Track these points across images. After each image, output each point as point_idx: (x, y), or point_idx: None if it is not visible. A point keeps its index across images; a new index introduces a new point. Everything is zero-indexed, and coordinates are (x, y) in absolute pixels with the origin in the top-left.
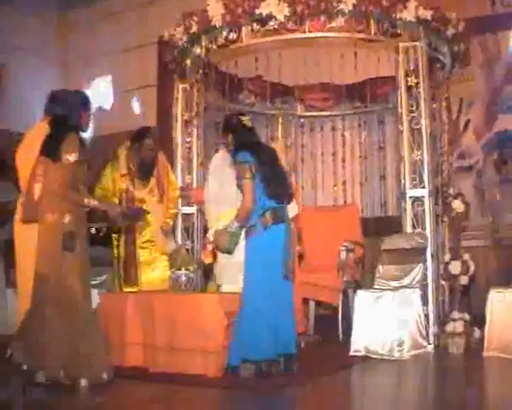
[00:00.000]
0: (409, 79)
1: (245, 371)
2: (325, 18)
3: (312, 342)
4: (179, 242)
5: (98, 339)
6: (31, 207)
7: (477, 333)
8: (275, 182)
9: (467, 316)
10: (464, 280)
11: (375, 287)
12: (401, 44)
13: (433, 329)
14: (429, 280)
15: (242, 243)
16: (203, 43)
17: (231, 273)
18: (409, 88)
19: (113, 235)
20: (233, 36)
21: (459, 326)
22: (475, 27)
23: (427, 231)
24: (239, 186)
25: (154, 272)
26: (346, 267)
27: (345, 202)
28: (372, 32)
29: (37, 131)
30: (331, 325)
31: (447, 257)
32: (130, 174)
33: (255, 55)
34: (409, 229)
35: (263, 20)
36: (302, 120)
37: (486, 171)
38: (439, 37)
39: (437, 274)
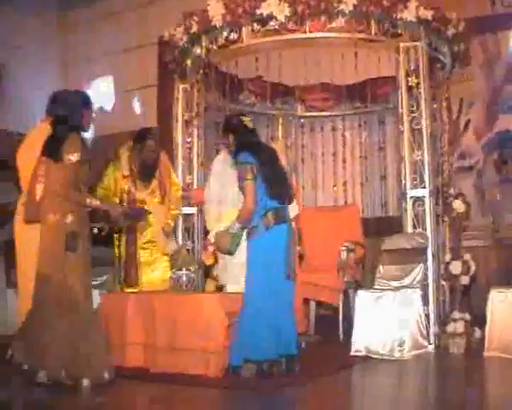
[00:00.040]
0: (409, 79)
1: (246, 372)
2: (326, 18)
3: (313, 342)
4: (180, 242)
5: (99, 339)
6: (32, 207)
7: (478, 333)
8: (276, 182)
9: (467, 316)
10: (465, 280)
11: (376, 287)
12: (402, 44)
13: (433, 329)
14: (430, 280)
15: (244, 243)
16: (203, 44)
17: (233, 274)
18: (409, 88)
19: (115, 235)
20: (233, 36)
21: (460, 326)
22: (475, 27)
23: (428, 231)
24: (240, 187)
25: (155, 272)
26: (347, 267)
27: (345, 202)
28: (372, 33)
29: (39, 132)
30: (332, 325)
31: (448, 257)
32: (132, 175)
33: (255, 55)
34: (409, 229)
35: (263, 21)
36: (302, 120)
37: (487, 171)
38: (439, 37)
39: (437, 274)
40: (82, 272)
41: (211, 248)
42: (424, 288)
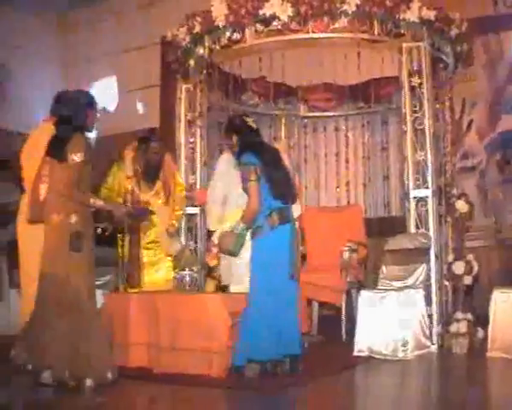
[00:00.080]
0: (412, 79)
1: (250, 372)
2: (328, 18)
3: (316, 342)
4: (183, 242)
5: (101, 339)
6: (36, 207)
7: (480, 333)
8: (280, 182)
9: (470, 316)
10: (468, 280)
11: (379, 287)
12: (404, 45)
13: (436, 329)
14: (433, 280)
15: (248, 243)
16: (206, 44)
17: (237, 274)
18: (412, 88)
19: (118, 235)
20: (236, 36)
21: (463, 326)
22: (478, 28)
23: (431, 232)
24: (244, 188)
25: (159, 272)
26: (350, 268)
27: (348, 202)
28: (375, 33)
29: (42, 132)
30: (334, 325)
31: (451, 257)
32: (136, 176)
33: (258, 55)
34: (412, 229)
35: (266, 21)
36: (305, 120)
37: (489, 171)
38: (442, 37)
39: (440, 274)
40: (86, 272)
41: (214, 250)
42: (427, 288)
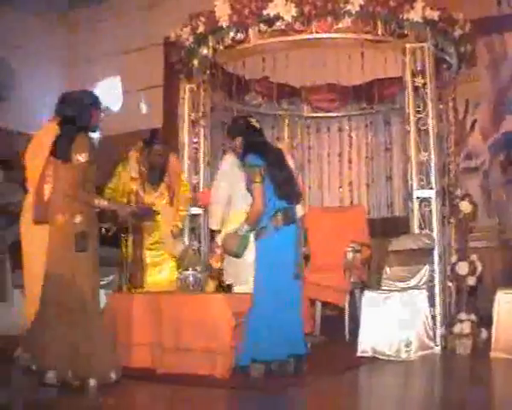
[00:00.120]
0: (416, 79)
1: (255, 372)
2: (332, 19)
3: (318, 342)
4: (187, 243)
5: (103, 339)
6: (41, 207)
7: (484, 334)
8: (284, 183)
9: (474, 317)
10: (471, 281)
11: (382, 288)
12: (408, 45)
13: (440, 330)
14: (436, 281)
15: (251, 245)
16: (210, 44)
17: (241, 274)
18: (416, 89)
19: (122, 235)
20: (240, 36)
21: (466, 327)
22: (482, 28)
23: (435, 232)
24: (249, 190)
25: (162, 273)
26: (353, 268)
27: (351, 202)
28: (379, 33)
29: (46, 132)
30: (337, 325)
31: (454, 258)
32: (141, 178)
33: (262, 55)
34: (416, 230)
35: (270, 21)
36: (309, 120)
37: (493, 171)
38: (445, 37)
39: (444, 275)
40: (91, 273)
41: (218, 251)
42: (430, 289)
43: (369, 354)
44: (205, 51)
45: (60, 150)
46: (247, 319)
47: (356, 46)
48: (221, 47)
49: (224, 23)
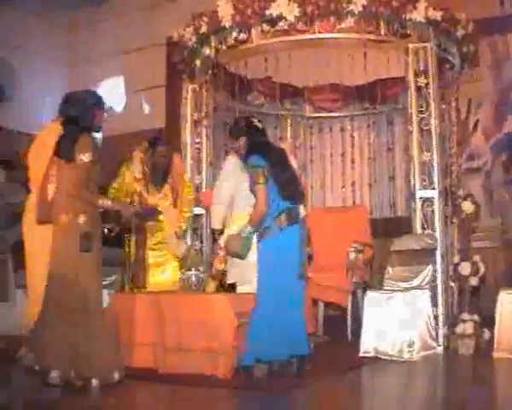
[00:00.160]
0: (418, 79)
1: (258, 372)
2: (335, 19)
3: (321, 342)
4: (189, 243)
5: (106, 339)
6: (44, 207)
7: (487, 334)
8: (288, 183)
9: (476, 317)
10: (474, 281)
11: (385, 288)
12: (411, 45)
13: (442, 330)
14: (439, 281)
15: (254, 245)
16: (213, 44)
17: (245, 274)
18: (418, 89)
19: (125, 236)
20: (243, 36)
21: (469, 327)
22: (484, 28)
23: (437, 233)
24: (252, 191)
25: (165, 273)
26: (355, 268)
27: (354, 202)
28: (382, 33)
29: (50, 132)
30: (339, 325)
31: (457, 258)
32: (144, 179)
33: (265, 55)
34: (418, 230)
35: (273, 21)
36: (311, 121)
37: (495, 172)
38: (448, 38)
39: (446, 275)
40: (95, 273)
41: (221, 253)
42: (433, 289)
43: (372, 354)
44: (207, 51)
45: (63, 150)
46: (251, 319)
47: (358, 46)
48: (224, 47)
49: (226, 23)
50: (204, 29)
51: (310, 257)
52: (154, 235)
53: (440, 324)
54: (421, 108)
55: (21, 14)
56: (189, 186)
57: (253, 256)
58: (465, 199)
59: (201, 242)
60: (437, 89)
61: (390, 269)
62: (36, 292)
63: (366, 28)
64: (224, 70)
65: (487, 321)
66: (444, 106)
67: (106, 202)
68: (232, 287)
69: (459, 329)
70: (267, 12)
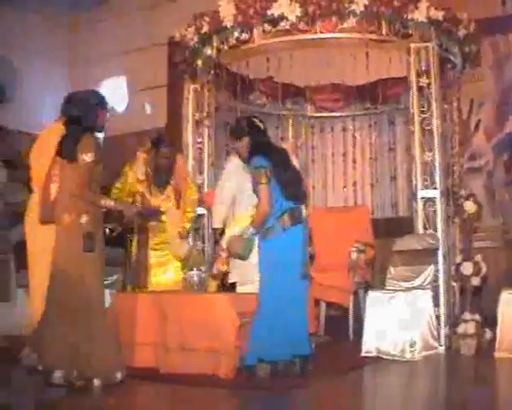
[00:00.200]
0: (420, 79)
1: (261, 372)
2: (336, 19)
3: (323, 342)
4: (191, 243)
5: (107, 339)
6: (47, 207)
7: (488, 334)
8: (291, 183)
9: (478, 317)
10: (476, 281)
11: (387, 288)
12: (412, 45)
13: (444, 330)
14: (441, 281)
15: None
16: (214, 44)
17: (249, 274)
18: (420, 88)
19: (128, 236)
20: (244, 36)
21: (470, 327)
22: (486, 28)
23: (439, 233)
24: (255, 191)
25: (167, 273)
26: (357, 268)
27: (355, 202)
28: (383, 33)
29: (52, 132)
30: (341, 325)
31: (459, 258)
32: (147, 180)
33: (266, 55)
34: (420, 230)
35: (274, 21)
36: (312, 120)
37: (497, 171)
38: (450, 37)
39: (448, 275)
40: (98, 273)
41: (223, 254)
42: (435, 289)
43: (374, 354)
44: (209, 51)
45: (66, 150)
46: (253, 319)
47: (360, 46)
48: (225, 47)
49: (228, 23)
50: (206, 29)
51: (311, 257)
52: (156, 235)
53: (442, 324)
54: (423, 108)
55: (22, 13)
56: (192, 187)
57: (255, 257)
58: (467, 199)
59: (203, 242)
60: (439, 89)
61: (392, 269)
62: (38, 292)
63: (368, 28)
64: (226, 70)
65: (489, 321)
66: (445, 106)
67: (108, 202)
68: (232, 286)
69: (461, 329)
70: (269, 12)
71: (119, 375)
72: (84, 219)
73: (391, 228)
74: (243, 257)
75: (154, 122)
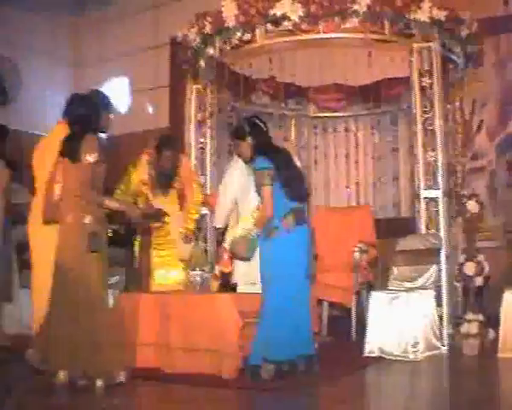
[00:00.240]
0: (423, 79)
1: (265, 372)
2: (339, 19)
3: (325, 343)
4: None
5: (110, 340)
6: (51, 207)
7: (491, 334)
8: (294, 183)
9: (481, 317)
10: (479, 281)
11: (390, 288)
12: (415, 45)
13: (447, 330)
14: (443, 281)
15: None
16: (217, 44)
17: (253, 274)
18: (422, 88)
19: (132, 236)
20: (247, 36)
21: (473, 327)
22: (488, 28)
23: (441, 232)
24: (258, 193)
25: (170, 274)
26: (360, 268)
27: (358, 202)
28: (386, 33)
29: (55, 133)
30: (343, 326)
31: (461, 258)
32: (151, 182)
33: (269, 55)
34: (423, 230)
35: (277, 21)
36: (315, 120)
37: (499, 171)
38: (452, 37)
39: (451, 275)
40: (101, 273)
41: (226, 256)
42: (437, 289)
43: (376, 354)
44: (211, 51)
45: (69, 150)
46: (259, 319)
47: (363, 46)
48: (228, 47)
49: (230, 23)
50: (208, 29)
51: (315, 257)
52: (159, 236)
53: (445, 324)
54: (426, 108)
55: (26, 14)
56: (197, 188)
57: (258, 258)
58: (470, 199)
59: (206, 242)
60: (441, 89)
61: (395, 269)
62: (41, 292)
63: (370, 28)
64: (228, 70)
65: (492, 321)
66: (448, 106)
67: (112, 203)
68: (233, 289)
69: (464, 329)
70: (271, 12)
71: (122, 375)
72: (87, 219)
73: (393, 228)
74: (247, 258)
75: (157, 122)
